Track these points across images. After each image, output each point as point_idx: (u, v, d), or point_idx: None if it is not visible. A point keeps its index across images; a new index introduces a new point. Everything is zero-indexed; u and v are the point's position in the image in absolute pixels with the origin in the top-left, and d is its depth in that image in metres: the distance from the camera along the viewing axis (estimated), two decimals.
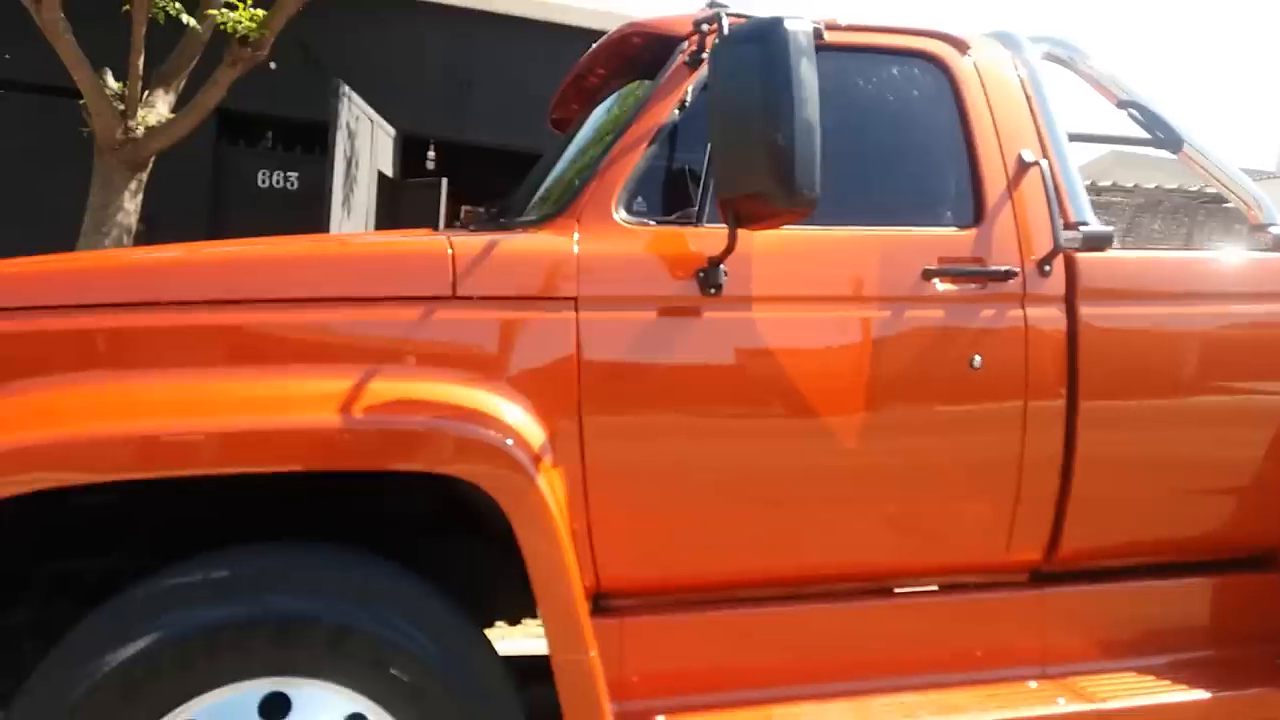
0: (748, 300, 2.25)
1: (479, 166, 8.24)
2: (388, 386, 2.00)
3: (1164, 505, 2.54)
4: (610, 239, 2.23)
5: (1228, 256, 2.63)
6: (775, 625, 2.39)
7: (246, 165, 8.73)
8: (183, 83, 6.54)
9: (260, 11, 6.02)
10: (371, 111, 7.37)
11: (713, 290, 2.19)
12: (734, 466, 2.25)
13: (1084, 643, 2.54)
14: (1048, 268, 2.41)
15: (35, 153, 7.66)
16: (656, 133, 2.31)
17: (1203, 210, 11.44)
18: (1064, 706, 2.34)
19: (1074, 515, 2.47)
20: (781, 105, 1.87)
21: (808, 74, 1.88)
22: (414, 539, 2.40)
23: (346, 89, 6.65)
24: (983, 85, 2.52)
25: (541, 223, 2.30)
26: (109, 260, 2.30)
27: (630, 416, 2.19)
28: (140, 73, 5.88)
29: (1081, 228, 2.49)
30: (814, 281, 2.31)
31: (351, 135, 6.80)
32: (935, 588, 2.56)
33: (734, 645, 2.36)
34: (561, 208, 2.29)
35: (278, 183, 8.68)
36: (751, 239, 2.25)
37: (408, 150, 9.20)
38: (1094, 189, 13.28)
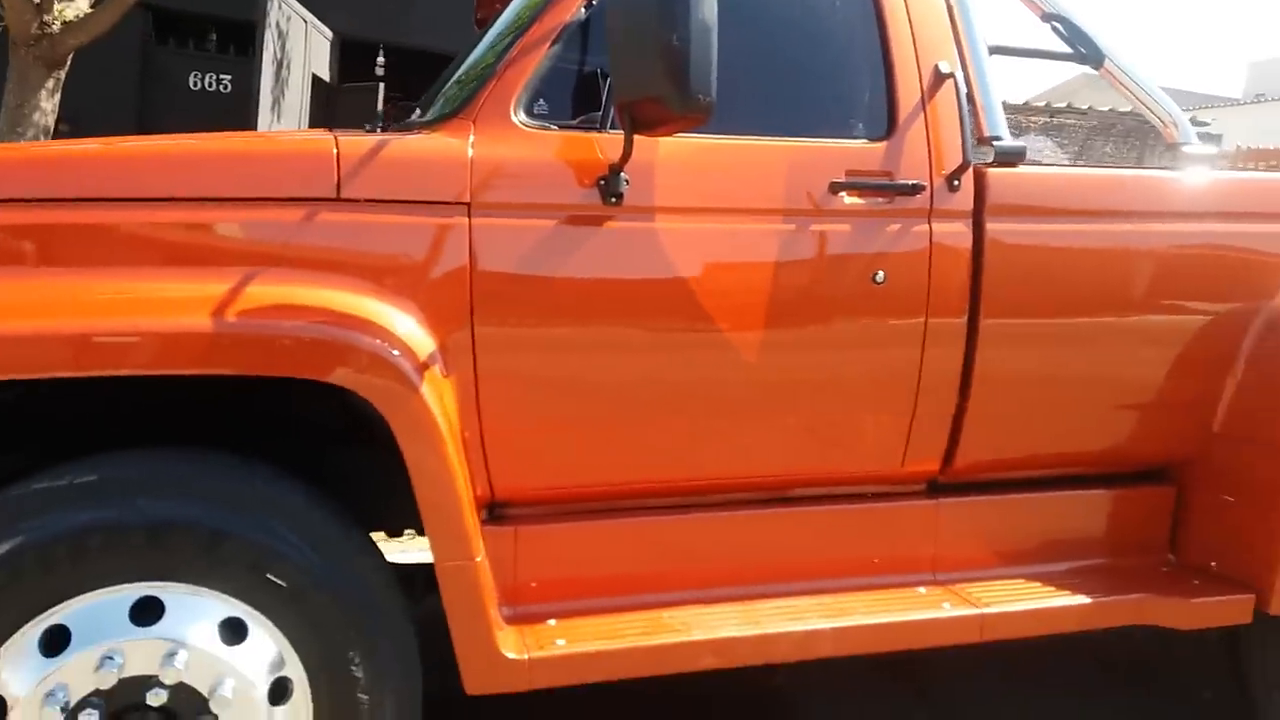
0: (651, 210, 2.19)
1: (430, 72, 7.98)
2: (265, 290, 1.93)
3: (1062, 422, 2.57)
4: (508, 143, 2.15)
5: (1140, 175, 2.62)
6: (669, 532, 2.40)
7: (178, 66, 8.39)
8: None
9: None
10: (306, 13, 7.08)
11: (613, 199, 2.13)
12: (629, 378, 2.22)
13: (977, 551, 2.59)
14: (956, 183, 2.38)
15: None
16: (561, 31, 2.21)
17: (1154, 134, 11.49)
18: (948, 610, 2.39)
19: (970, 430, 2.49)
20: (676, 5, 1.79)
21: None
22: (321, 449, 2.35)
23: None
24: None
25: (437, 124, 2.21)
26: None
27: (524, 327, 2.14)
28: None
29: (995, 143, 2.45)
30: (719, 193, 2.25)
31: (283, 36, 6.53)
32: (835, 495, 2.58)
33: (627, 552, 2.37)
34: (458, 109, 2.20)
35: (210, 85, 8.36)
36: (657, 147, 2.19)
37: (351, 55, 8.87)
38: (1048, 110, 13.27)
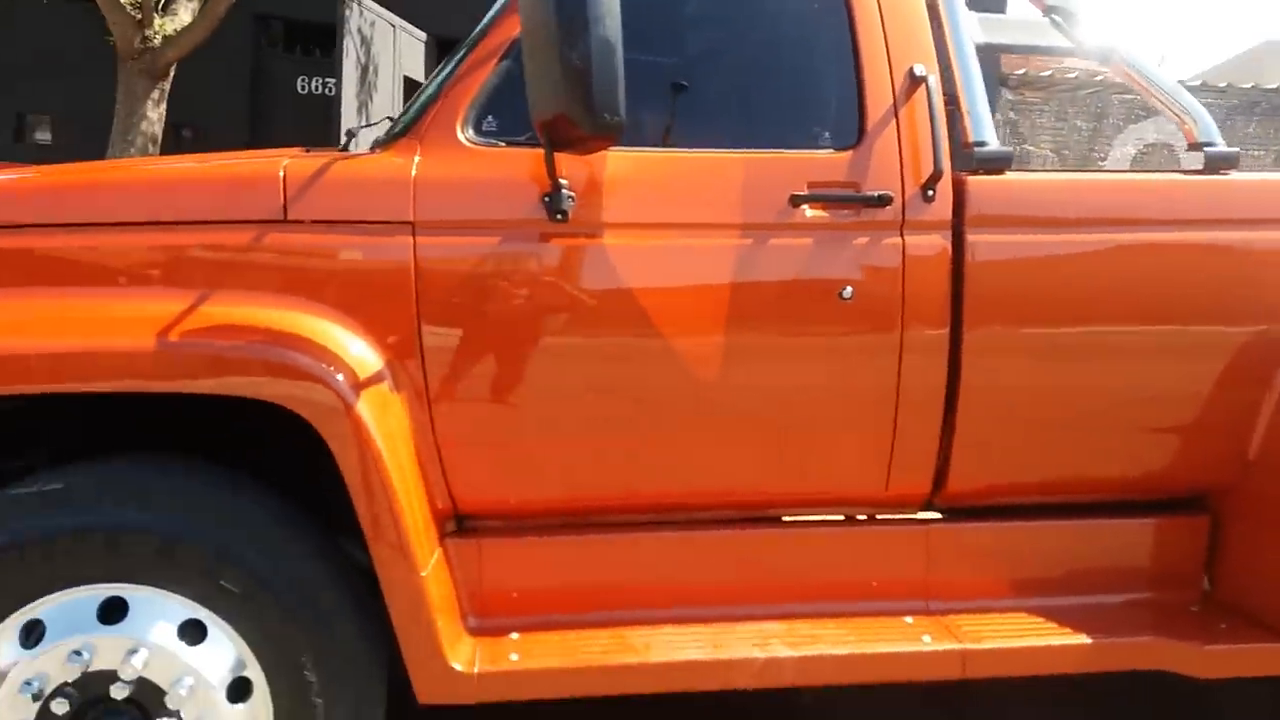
0: (599, 226, 2.19)
1: None
2: (212, 310, 2.03)
3: (1069, 446, 2.41)
4: (453, 161, 2.18)
5: (1143, 179, 2.44)
6: (639, 550, 2.40)
7: (285, 71, 8.82)
8: None
9: None
10: (393, 16, 7.31)
11: (558, 216, 2.13)
12: (577, 395, 2.23)
13: (977, 582, 2.47)
14: (930, 192, 2.27)
15: (77, 62, 7.88)
16: (509, 48, 2.23)
17: None
18: (928, 644, 2.30)
19: (962, 453, 2.38)
20: (575, 22, 1.78)
21: None
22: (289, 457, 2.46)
23: None
24: None
25: (388, 144, 2.27)
26: None
27: (471, 343, 2.17)
28: None
29: (978, 148, 2.34)
30: (671, 208, 2.23)
31: (366, 41, 6.77)
32: (816, 518, 2.52)
33: (594, 568, 2.38)
34: (407, 128, 2.26)
35: (315, 89, 8.75)
36: (607, 162, 2.19)
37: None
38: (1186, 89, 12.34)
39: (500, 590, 2.34)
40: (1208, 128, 2.44)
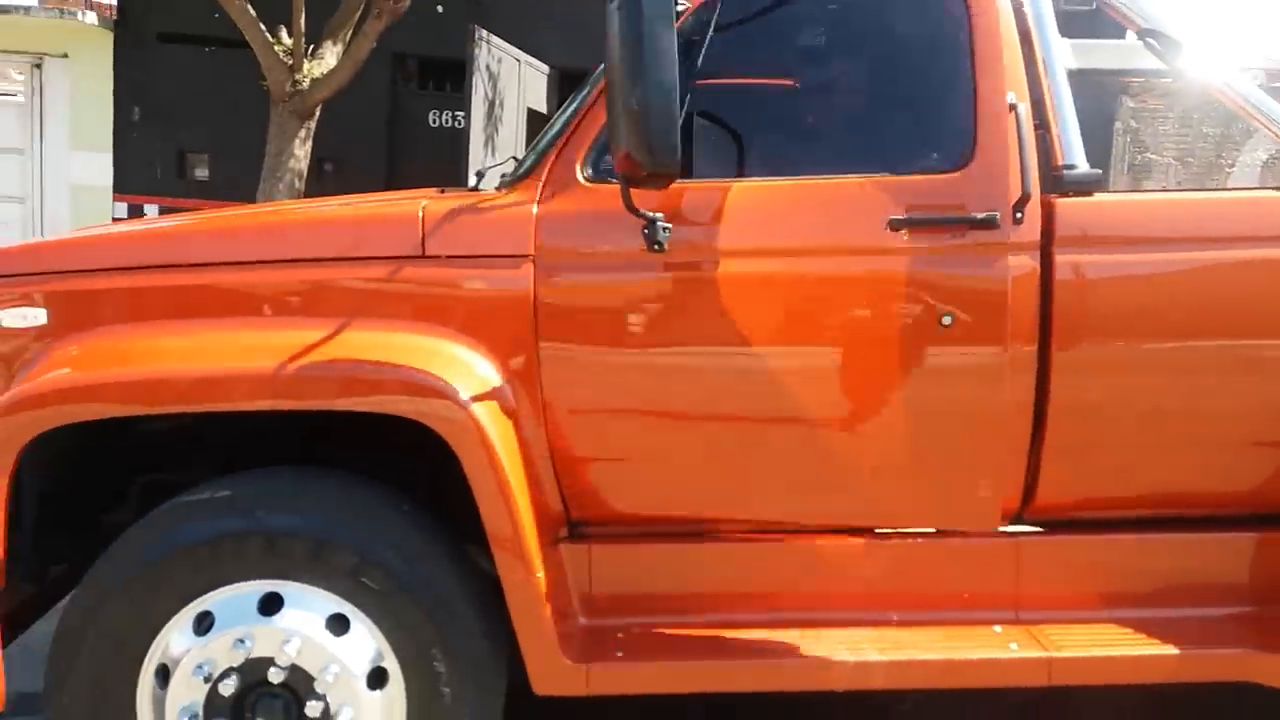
0: (693, 255, 2.34)
1: None
2: (357, 337, 2.29)
3: (1155, 461, 2.45)
4: (570, 199, 2.39)
5: (1228, 197, 2.45)
6: (739, 558, 2.54)
7: (419, 106, 9.32)
8: (349, 34, 7.10)
9: None
10: (517, 51, 7.68)
11: (655, 247, 2.29)
12: (682, 415, 2.39)
13: (1066, 592, 2.52)
14: (1019, 214, 2.34)
15: (233, 104, 8.52)
16: None
17: None
18: (1014, 652, 2.37)
19: (1050, 468, 2.44)
20: (633, 67, 1.94)
21: (663, 36, 1.93)
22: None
23: (483, 33, 6.97)
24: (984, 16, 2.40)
25: (514, 183, 2.49)
26: (138, 230, 2.70)
27: (584, 365, 2.37)
28: (303, 30, 6.46)
29: (1067, 171, 2.40)
30: (769, 234, 2.37)
31: (493, 77, 7.14)
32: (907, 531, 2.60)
33: (697, 574, 2.54)
34: (531, 169, 2.48)
35: (446, 122, 9.22)
36: (710, 192, 2.35)
37: (570, 87, 9.46)
38: None
39: (608, 592, 2.52)
40: None
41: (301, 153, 6.78)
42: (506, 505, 2.26)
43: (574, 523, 2.56)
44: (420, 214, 2.39)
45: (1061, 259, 2.35)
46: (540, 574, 2.30)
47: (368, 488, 2.42)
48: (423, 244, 2.37)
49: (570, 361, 2.36)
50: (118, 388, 2.23)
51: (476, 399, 2.25)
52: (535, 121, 8.15)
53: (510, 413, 2.34)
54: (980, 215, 2.33)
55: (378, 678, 2.32)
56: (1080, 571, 2.51)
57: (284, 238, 2.43)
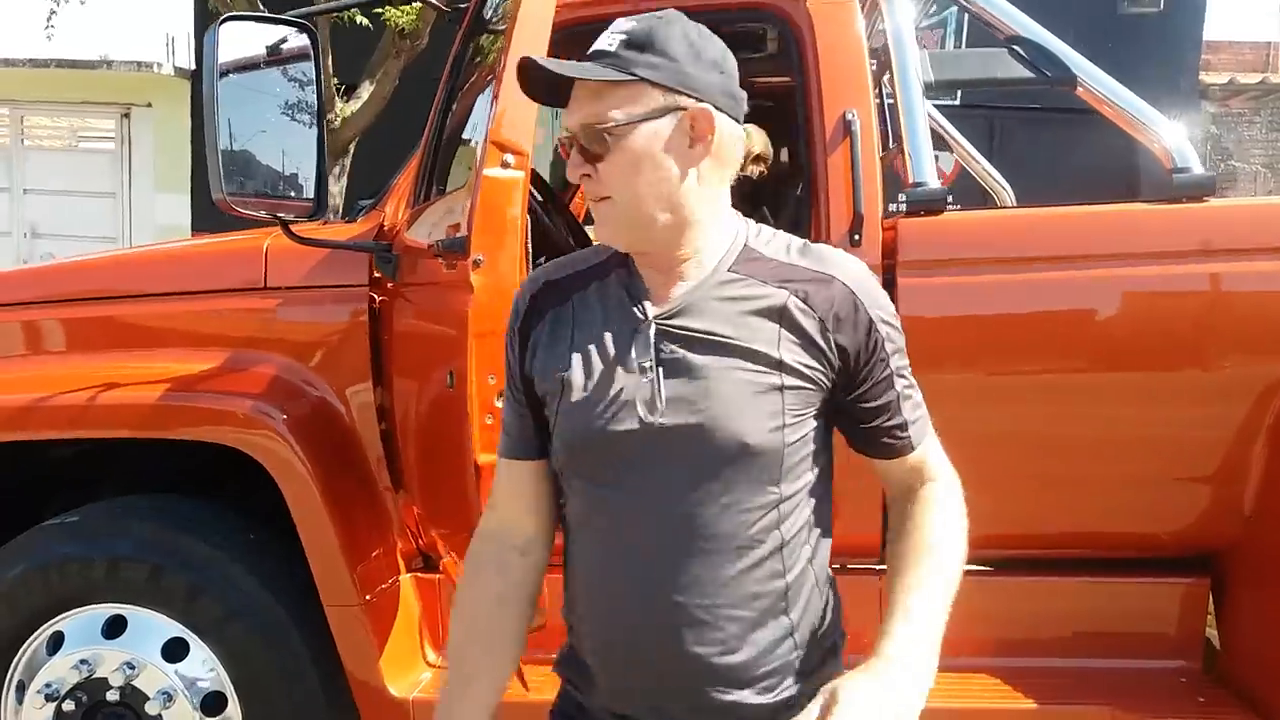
0: None
1: None
2: (193, 366, 2.36)
3: (1006, 495, 2.27)
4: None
5: (1093, 211, 2.27)
6: None
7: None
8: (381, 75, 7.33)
9: (416, 6, 6.61)
10: None
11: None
12: None
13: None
14: (856, 237, 2.24)
15: None
16: None
17: None
18: None
19: None
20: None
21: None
22: None
23: None
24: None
25: (364, 216, 2.53)
26: (25, 269, 2.84)
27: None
28: (331, 71, 6.71)
29: (914, 189, 2.28)
30: None
31: None
32: None
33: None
34: (378, 203, 2.51)
35: None
36: None
37: None
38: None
39: None
40: (1184, 154, 2.24)
41: (336, 189, 7.01)
42: (326, 534, 2.27)
43: (425, 554, 2.56)
44: (264, 247, 2.44)
45: (905, 282, 2.23)
46: (359, 605, 2.29)
47: (216, 515, 2.47)
48: (265, 277, 2.42)
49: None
50: None
51: (299, 427, 2.28)
52: None
53: (346, 440, 2.36)
54: None
55: (216, 703, 2.36)
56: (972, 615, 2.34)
57: (140, 273, 2.53)
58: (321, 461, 2.28)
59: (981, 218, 2.37)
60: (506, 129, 1.77)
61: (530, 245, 2.76)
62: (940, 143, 3.17)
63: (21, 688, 2.40)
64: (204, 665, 2.35)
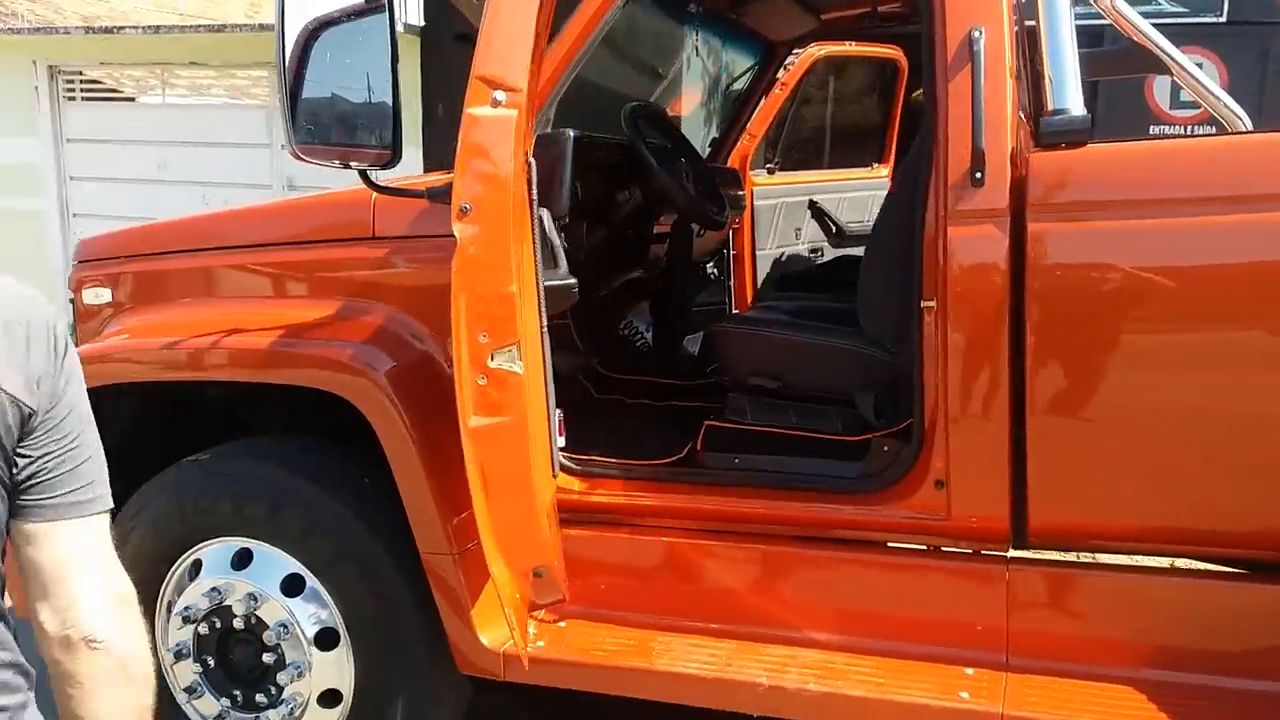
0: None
1: None
2: (311, 316, 2.43)
3: (1160, 480, 1.94)
4: None
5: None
6: (701, 558, 2.35)
7: None
8: None
9: None
10: None
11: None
12: None
13: (1056, 637, 2.07)
14: (979, 175, 1.95)
15: None
16: None
17: None
18: (960, 702, 1.99)
19: (1036, 477, 2.02)
20: None
21: None
22: None
23: None
24: None
25: None
26: (164, 221, 3.02)
27: None
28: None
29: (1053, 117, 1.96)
30: None
31: None
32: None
33: (652, 571, 2.39)
34: None
35: None
36: None
37: None
38: None
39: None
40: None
41: None
42: (423, 485, 2.28)
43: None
44: (372, 199, 2.46)
45: (1036, 228, 1.93)
46: (452, 554, 2.30)
47: (333, 458, 2.55)
48: (373, 227, 2.45)
49: None
50: (113, 361, 2.54)
51: (398, 376, 2.30)
52: None
53: (446, 392, 2.35)
54: None
55: (328, 639, 2.45)
56: (1075, 614, 2.05)
57: (267, 223, 2.63)
58: (418, 411, 2.29)
59: (1138, 150, 2.00)
60: (495, 63, 1.64)
61: (579, 193, 2.62)
62: (1155, 63, 2.74)
63: (170, 608, 2.60)
64: (319, 602, 2.44)
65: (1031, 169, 1.93)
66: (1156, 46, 2.92)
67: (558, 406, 2.17)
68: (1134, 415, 1.95)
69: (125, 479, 2.81)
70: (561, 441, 1.93)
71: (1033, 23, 2.16)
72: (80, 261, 2.85)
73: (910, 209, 2.10)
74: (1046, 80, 1.99)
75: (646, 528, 2.38)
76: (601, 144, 2.93)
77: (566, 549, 2.35)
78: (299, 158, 2.00)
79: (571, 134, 2.44)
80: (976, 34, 1.94)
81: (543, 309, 1.92)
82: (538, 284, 1.77)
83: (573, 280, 1.88)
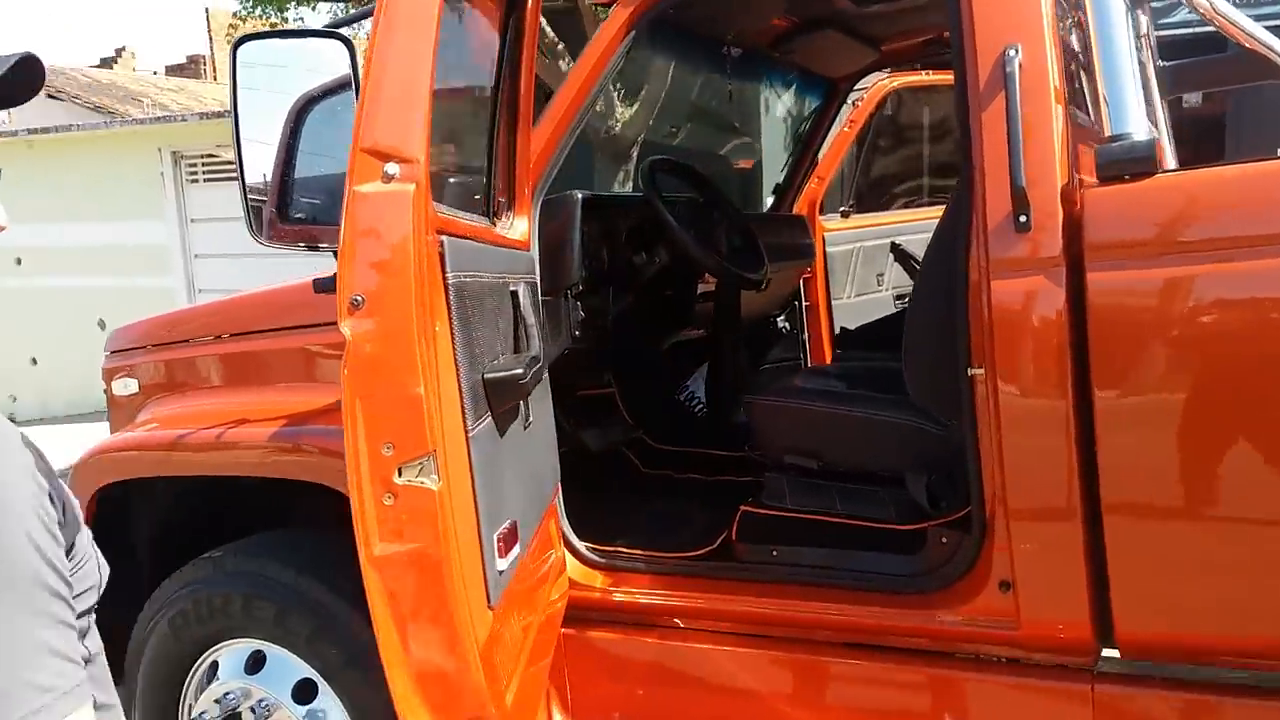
0: None
1: None
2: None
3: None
4: None
5: None
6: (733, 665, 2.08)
7: None
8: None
9: None
10: None
11: None
12: None
13: None
14: (1023, 218, 1.63)
15: None
16: None
17: None
18: None
19: (1118, 572, 1.66)
20: None
21: None
22: None
23: None
24: None
25: None
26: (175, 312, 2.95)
27: None
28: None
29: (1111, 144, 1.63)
30: None
31: None
32: None
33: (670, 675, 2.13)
34: None
35: None
36: None
37: None
38: None
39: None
40: None
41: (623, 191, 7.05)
42: None
43: None
44: None
45: (1098, 278, 1.59)
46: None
47: (343, 555, 2.38)
48: None
49: None
50: (116, 461, 2.45)
51: None
52: None
53: None
54: None
55: None
56: None
57: (289, 305, 2.51)
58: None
59: (1219, 177, 1.64)
60: (384, 132, 1.43)
61: (605, 257, 2.38)
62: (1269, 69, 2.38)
63: (189, 712, 2.48)
64: (330, 710, 2.27)
65: (1088, 208, 1.60)
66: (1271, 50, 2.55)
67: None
68: (1239, 497, 1.58)
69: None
70: (503, 564, 1.67)
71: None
72: (110, 352, 2.81)
73: (951, 260, 1.79)
74: (1102, 101, 1.66)
75: (672, 630, 2.11)
76: (622, 204, 2.71)
77: (585, 653, 2.11)
78: (262, 242, 1.85)
79: (580, 196, 2.24)
80: (1011, 52, 1.64)
81: (472, 410, 1.62)
82: (461, 382, 1.54)
83: (519, 370, 1.63)
